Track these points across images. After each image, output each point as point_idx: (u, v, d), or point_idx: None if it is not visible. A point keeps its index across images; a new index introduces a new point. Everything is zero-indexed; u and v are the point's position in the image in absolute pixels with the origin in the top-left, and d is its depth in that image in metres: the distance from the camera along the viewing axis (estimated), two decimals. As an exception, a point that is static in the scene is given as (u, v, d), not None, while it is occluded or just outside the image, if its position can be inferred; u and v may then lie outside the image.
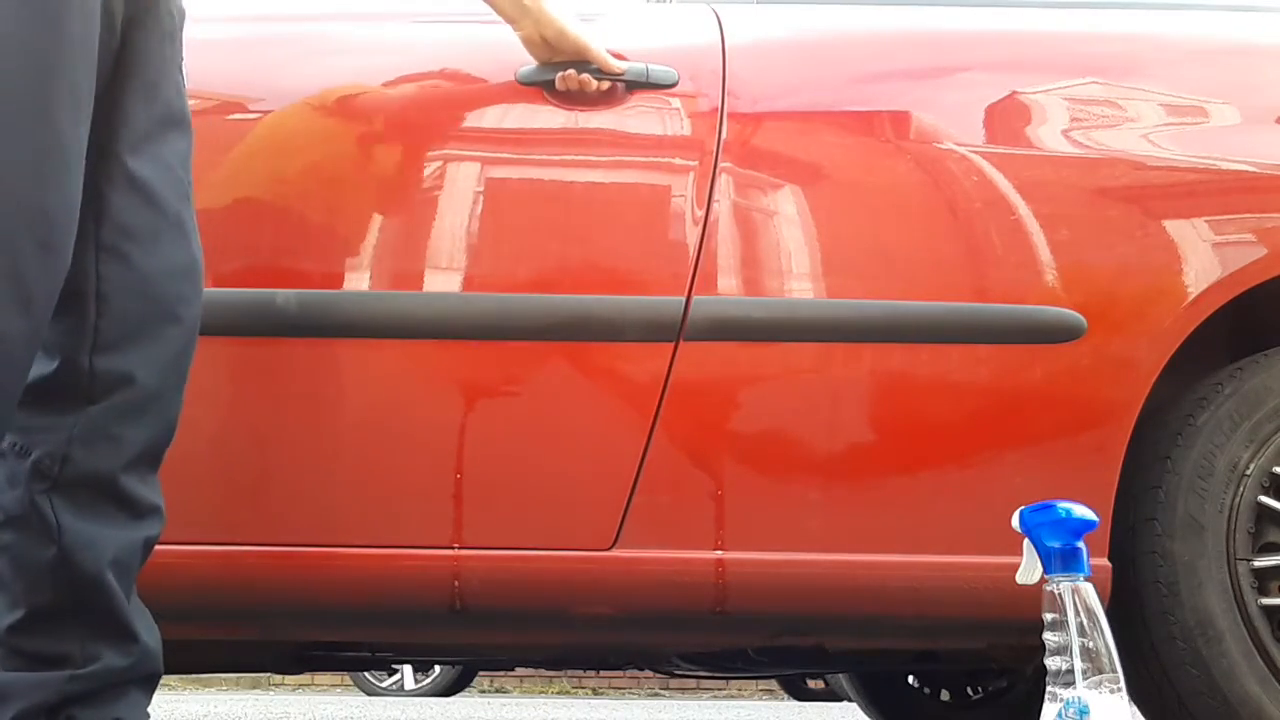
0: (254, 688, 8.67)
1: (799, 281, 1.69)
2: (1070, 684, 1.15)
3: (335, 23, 1.79)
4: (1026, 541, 1.23)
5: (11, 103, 1.13)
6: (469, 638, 1.92)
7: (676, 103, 1.73)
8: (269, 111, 1.70)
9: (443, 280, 1.67)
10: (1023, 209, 1.70)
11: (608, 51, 1.69)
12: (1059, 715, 1.15)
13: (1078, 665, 1.15)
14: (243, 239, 1.64)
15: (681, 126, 1.73)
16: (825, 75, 1.81)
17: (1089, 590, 1.18)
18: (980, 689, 2.67)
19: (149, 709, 1.35)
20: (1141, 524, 1.71)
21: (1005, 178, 1.71)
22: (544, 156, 1.71)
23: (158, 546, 1.37)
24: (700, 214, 1.68)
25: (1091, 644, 1.15)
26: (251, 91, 1.71)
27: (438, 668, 6.80)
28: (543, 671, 8.51)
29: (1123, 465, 1.67)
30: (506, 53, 1.70)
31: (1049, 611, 1.18)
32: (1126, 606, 1.70)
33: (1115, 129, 1.76)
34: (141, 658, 1.34)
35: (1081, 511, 1.22)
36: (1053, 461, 1.68)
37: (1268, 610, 1.68)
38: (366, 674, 7.02)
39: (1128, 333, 1.69)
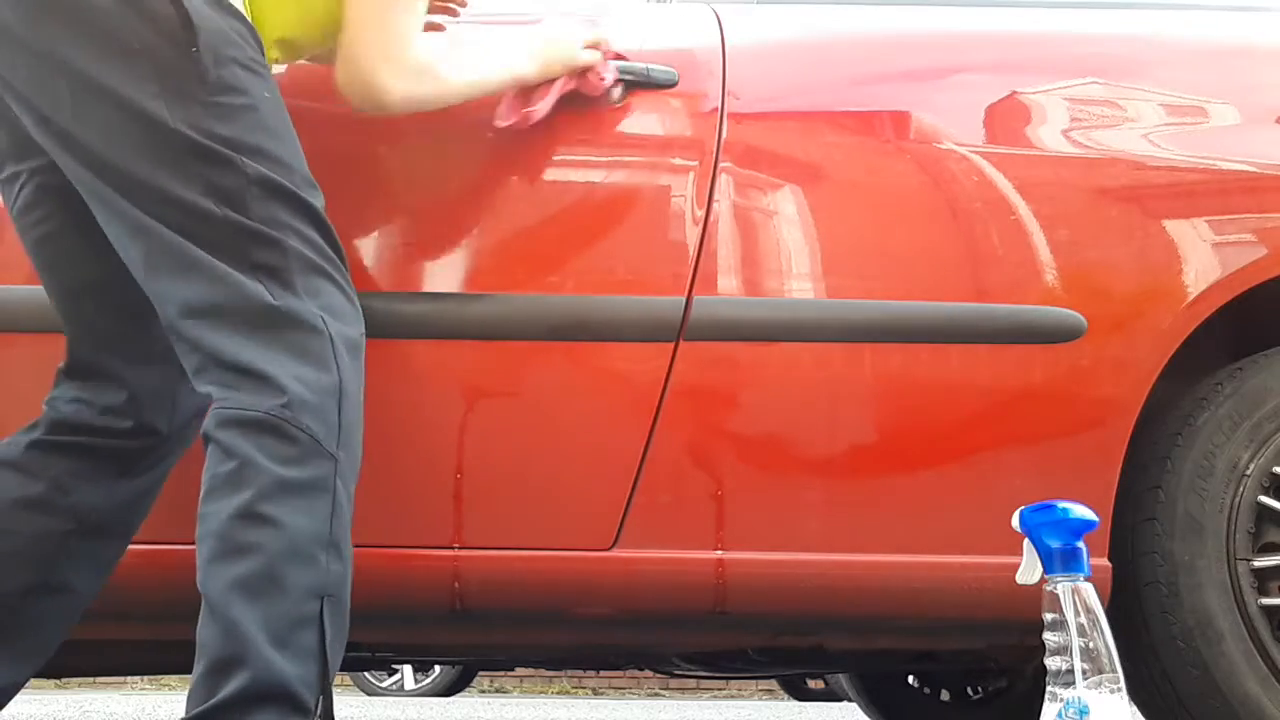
0: (254, 688, 8.64)
1: (799, 281, 1.69)
2: (1070, 684, 1.15)
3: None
4: (1026, 541, 1.23)
5: None
6: (469, 638, 1.92)
7: (676, 103, 1.73)
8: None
9: (442, 280, 1.67)
10: (1023, 209, 1.70)
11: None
12: (1059, 715, 1.15)
13: (1078, 665, 1.15)
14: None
15: (681, 126, 1.73)
16: (825, 75, 1.81)
17: (1089, 590, 1.18)
18: (980, 689, 2.67)
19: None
20: (1141, 524, 1.71)
21: (1005, 178, 1.71)
22: (544, 156, 1.71)
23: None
24: (700, 214, 1.68)
25: (1091, 644, 1.15)
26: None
27: (438, 668, 6.80)
28: (543, 671, 8.52)
29: (1123, 465, 1.67)
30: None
31: (1049, 611, 1.18)
32: (1126, 606, 1.70)
33: (1115, 129, 1.76)
34: None
35: (1081, 511, 1.22)
36: (1053, 461, 1.68)
37: (1268, 610, 1.68)
38: (366, 674, 7.02)
39: (1128, 333, 1.69)
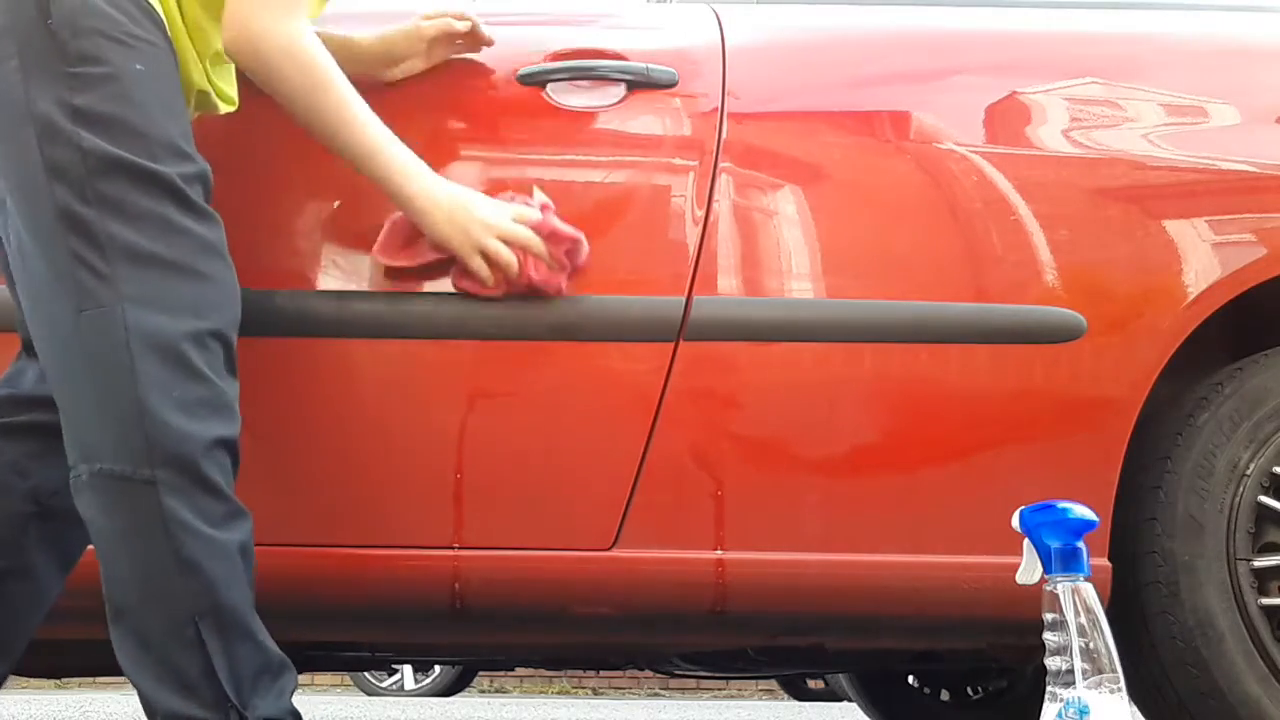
0: (254, 688, 8.63)
1: (799, 281, 1.69)
2: (1070, 684, 1.15)
3: (339, 23, 1.79)
4: (1026, 541, 1.23)
5: None
6: (469, 638, 1.93)
7: (676, 103, 1.73)
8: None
9: (443, 280, 1.67)
10: (1023, 209, 1.70)
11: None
12: (1059, 715, 1.15)
13: (1078, 665, 1.15)
14: (243, 240, 1.64)
15: (681, 126, 1.73)
16: (825, 75, 1.81)
17: (1089, 590, 1.18)
18: (980, 689, 2.67)
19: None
20: (1141, 524, 1.71)
21: (1005, 178, 1.71)
22: (544, 156, 1.71)
23: None
24: (700, 214, 1.68)
25: (1091, 644, 1.15)
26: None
27: (438, 668, 6.80)
28: (543, 671, 8.51)
29: (1123, 465, 1.67)
30: (508, 51, 1.71)
31: (1049, 611, 1.18)
32: (1126, 606, 1.70)
33: (1115, 129, 1.76)
34: None
35: (1081, 511, 1.22)
36: (1053, 461, 1.68)
37: (1268, 610, 1.68)
38: (366, 674, 7.02)
39: (1128, 333, 1.69)
